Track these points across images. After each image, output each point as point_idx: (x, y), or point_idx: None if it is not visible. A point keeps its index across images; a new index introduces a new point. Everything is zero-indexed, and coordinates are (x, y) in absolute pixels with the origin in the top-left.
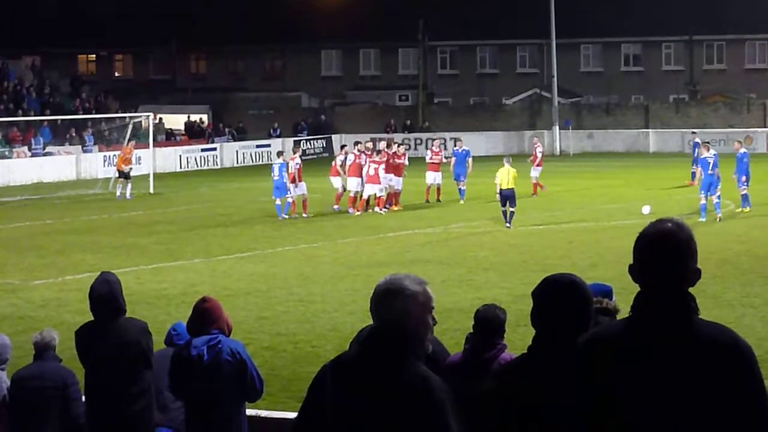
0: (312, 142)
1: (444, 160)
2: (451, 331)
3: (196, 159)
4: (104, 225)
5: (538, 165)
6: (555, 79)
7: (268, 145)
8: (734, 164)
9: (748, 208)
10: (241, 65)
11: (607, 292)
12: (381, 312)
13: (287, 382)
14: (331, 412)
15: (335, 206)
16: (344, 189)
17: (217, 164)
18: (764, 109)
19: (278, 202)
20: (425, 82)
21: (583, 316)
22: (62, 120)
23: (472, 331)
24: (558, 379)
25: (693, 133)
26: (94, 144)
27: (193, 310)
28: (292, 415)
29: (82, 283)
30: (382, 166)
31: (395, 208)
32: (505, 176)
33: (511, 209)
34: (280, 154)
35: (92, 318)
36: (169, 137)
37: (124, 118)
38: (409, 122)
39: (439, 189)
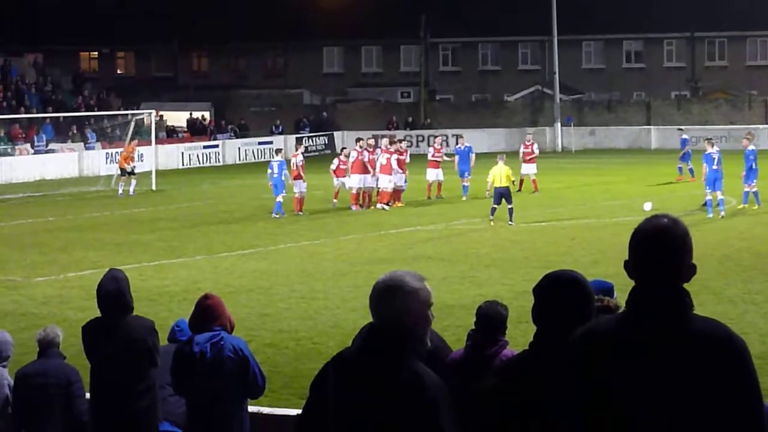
0: (314, 139)
1: (446, 158)
2: (453, 328)
3: (198, 156)
4: (106, 222)
5: (530, 161)
6: (557, 75)
7: (271, 142)
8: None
9: (757, 206)
10: (242, 62)
11: (608, 290)
12: (380, 309)
13: (289, 378)
14: (333, 408)
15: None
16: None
17: (219, 161)
18: (766, 106)
19: (279, 199)
20: (427, 79)
21: (584, 313)
22: (64, 117)
23: (473, 327)
24: (559, 375)
25: (679, 129)
26: (97, 141)
27: (195, 307)
28: (294, 411)
29: (85, 280)
30: (395, 157)
31: (399, 205)
32: (499, 174)
33: (509, 206)
34: (278, 151)
35: (97, 314)
36: (171, 134)
37: (127, 115)
38: (410, 119)
39: (440, 185)
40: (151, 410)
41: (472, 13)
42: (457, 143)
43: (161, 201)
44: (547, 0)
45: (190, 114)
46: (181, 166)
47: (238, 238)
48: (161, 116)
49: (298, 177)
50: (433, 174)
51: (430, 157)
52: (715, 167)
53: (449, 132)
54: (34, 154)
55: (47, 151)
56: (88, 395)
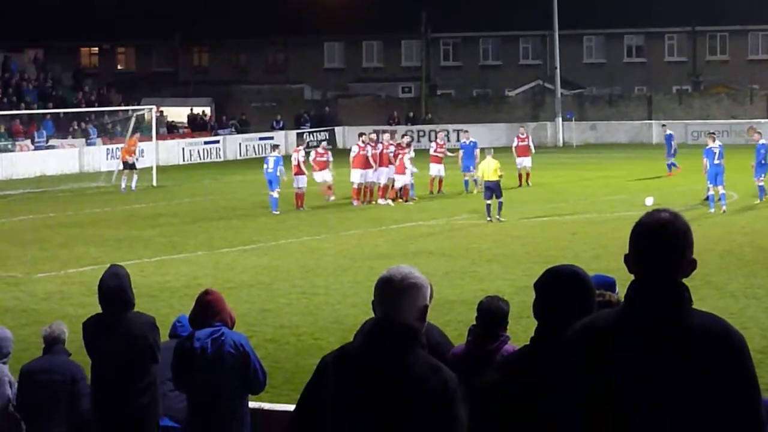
0: (315, 134)
1: (448, 154)
2: (454, 323)
3: (199, 152)
4: (107, 218)
5: (522, 155)
6: (558, 70)
7: (271, 138)
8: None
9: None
10: (243, 58)
11: (610, 284)
12: (386, 303)
13: (290, 374)
14: (333, 405)
15: (329, 197)
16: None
17: (220, 157)
18: (767, 100)
19: (275, 195)
20: (428, 74)
21: (586, 308)
22: (65, 113)
23: (475, 322)
24: (559, 370)
25: (663, 125)
26: (97, 137)
27: (195, 303)
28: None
29: (85, 276)
30: (408, 155)
31: (400, 201)
32: (488, 169)
33: (499, 200)
34: (275, 147)
35: (98, 310)
36: (171, 130)
37: (127, 111)
38: (412, 114)
39: (441, 181)
40: (152, 406)
41: (473, 7)
42: (458, 138)
43: (162, 197)
44: None
45: (191, 109)
46: (181, 162)
47: (238, 234)
48: (162, 112)
49: (299, 172)
50: (435, 169)
51: (432, 152)
52: (716, 162)
53: (450, 127)
54: (34, 150)
55: (48, 147)
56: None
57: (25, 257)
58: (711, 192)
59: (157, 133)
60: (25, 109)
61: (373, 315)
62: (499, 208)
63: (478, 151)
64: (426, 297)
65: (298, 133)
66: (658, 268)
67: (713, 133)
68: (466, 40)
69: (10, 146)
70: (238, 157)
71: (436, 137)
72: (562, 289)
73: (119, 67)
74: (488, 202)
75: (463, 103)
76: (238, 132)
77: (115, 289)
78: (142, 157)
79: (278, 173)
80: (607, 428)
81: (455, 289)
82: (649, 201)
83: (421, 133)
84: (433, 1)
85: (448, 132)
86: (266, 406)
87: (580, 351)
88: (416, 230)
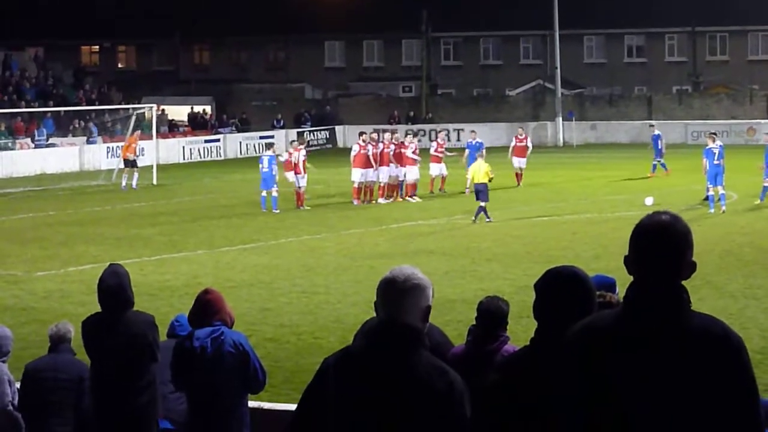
0: (315, 133)
1: (447, 154)
2: (455, 323)
3: (199, 150)
4: (107, 216)
5: (519, 155)
6: (558, 70)
7: (272, 137)
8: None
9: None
10: (244, 56)
11: (610, 285)
12: (389, 304)
13: (290, 373)
14: (335, 407)
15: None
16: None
17: (220, 155)
18: (767, 101)
19: (264, 194)
20: (429, 74)
21: (586, 309)
22: (65, 111)
23: (475, 323)
24: (559, 370)
25: (651, 125)
26: (98, 135)
27: (195, 302)
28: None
29: (85, 274)
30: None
31: (412, 199)
32: (478, 171)
33: (482, 204)
34: (269, 146)
35: (97, 309)
36: (172, 128)
37: (128, 109)
38: (412, 113)
39: (443, 180)
40: (151, 405)
41: (474, 7)
42: (459, 138)
43: (162, 195)
44: None
45: (192, 108)
46: (182, 161)
47: (239, 233)
48: (162, 110)
49: (298, 172)
50: (436, 169)
51: (433, 151)
52: (716, 162)
53: (451, 126)
54: (35, 148)
55: (48, 146)
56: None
57: (25, 255)
58: (711, 192)
59: (157, 131)
60: (26, 107)
61: (374, 315)
62: (477, 212)
63: (484, 150)
64: (429, 298)
65: (298, 132)
66: (657, 270)
67: (714, 134)
68: (466, 40)
69: (10, 144)
70: (239, 156)
71: (436, 137)
72: (562, 290)
73: (120, 65)
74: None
75: (464, 103)
76: (239, 131)
77: (114, 287)
78: (143, 155)
79: (273, 172)
80: (607, 429)
81: (455, 289)
82: (649, 201)
83: (422, 133)
84: (433, 0)
85: (448, 131)
86: (266, 405)
87: (580, 351)
88: (417, 229)
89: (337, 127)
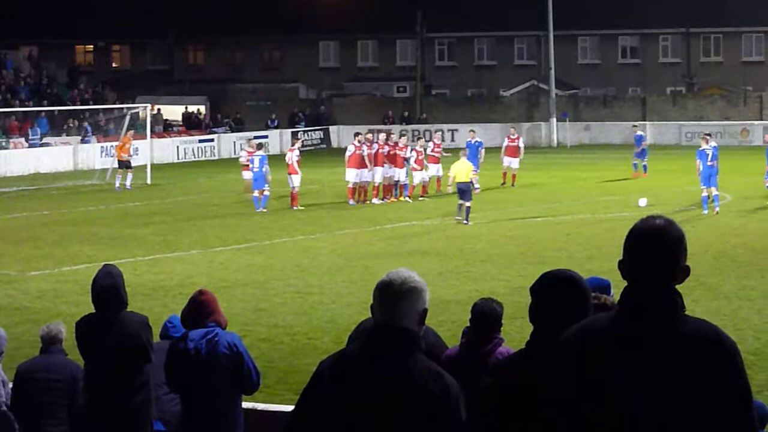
0: (309, 133)
1: (444, 154)
2: (448, 323)
3: (193, 150)
4: (101, 216)
5: (511, 155)
6: (552, 71)
7: (266, 137)
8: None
9: None
10: (238, 56)
11: (605, 287)
12: (385, 308)
13: (284, 374)
14: (331, 410)
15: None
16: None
17: (214, 155)
18: (761, 102)
19: (256, 194)
20: (423, 74)
21: (581, 312)
22: (60, 111)
23: (468, 324)
24: (555, 374)
25: (634, 125)
26: (92, 135)
27: (189, 303)
28: (289, 408)
29: (79, 274)
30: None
31: (404, 199)
32: (461, 170)
33: (467, 204)
34: (260, 146)
35: (91, 310)
36: (166, 128)
37: (122, 109)
38: (407, 114)
39: (439, 180)
40: (145, 405)
41: (468, 7)
42: (453, 138)
43: (156, 195)
44: None
45: (186, 108)
46: (176, 160)
47: (233, 233)
48: (157, 110)
49: (293, 171)
50: (433, 169)
51: (429, 152)
52: (709, 163)
53: (445, 127)
54: (28, 147)
55: (42, 145)
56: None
57: (19, 255)
58: (705, 194)
59: (152, 131)
60: (20, 106)
61: (369, 315)
62: (467, 213)
63: (483, 150)
64: (425, 301)
65: (292, 132)
66: (651, 274)
67: (707, 135)
68: (461, 40)
69: (4, 143)
70: (233, 156)
71: (432, 137)
72: (558, 293)
73: (114, 64)
74: (461, 202)
75: (458, 103)
76: (233, 130)
77: (108, 288)
78: (137, 155)
79: (263, 171)
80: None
81: (450, 289)
82: (643, 202)
83: (416, 133)
84: (428, 1)
85: (442, 132)
86: (260, 406)
87: (576, 355)
88: (411, 230)
89: (331, 128)
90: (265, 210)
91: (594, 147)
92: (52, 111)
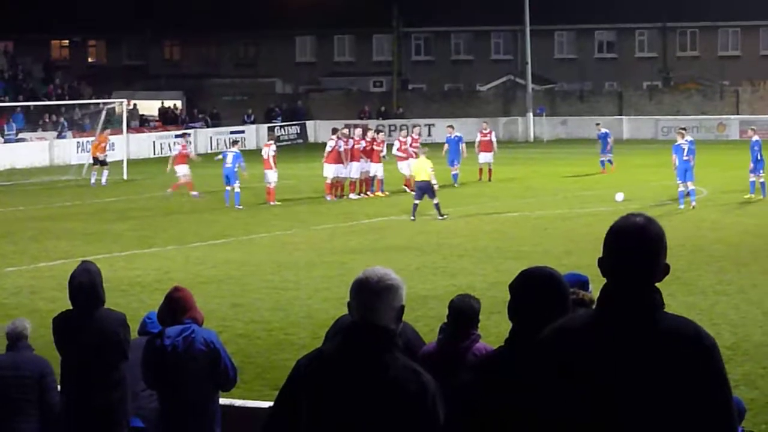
0: (286, 128)
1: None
2: (426, 318)
3: (170, 145)
4: (78, 212)
5: (487, 150)
6: (529, 65)
7: (242, 132)
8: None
9: (762, 197)
10: (214, 51)
11: (584, 283)
12: (362, 305)
13: (262, 369)
14: (309, 408)
15: (192, 193)
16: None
17: (190, 150)
18: (737, 97)
19: (228, 189)
20: (399, 69)
21: (560, 309)
22: (35, 106)
23: (446, 320)
24: (533, 371)
25: (597, 124)
26: (68, 130)
27: (165, 300)
28: (267, 404)
29: (56, 270)
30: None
31: (380, 194)
32: (420, 168)
33: (435, 201)
34: (234, 143)
35: (68, 306)
36: (142, 123)
37: (98, 104)
38: (383, 108)
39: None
40: (122, 403)
41: (445, 2)
42: (429, 133)
43: (133, 190)
44: None
45: (162, 103)
46: (152, 155)
47: (210, 228)
48: (133, 105)
49: (269, 167)
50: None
51: (408, 147)
52: (685, 158)
53: (422, 122)
54: (4, 143)
55: (18, 140)
56: (59, 387)
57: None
58: (681, 189)
59: (128, 126)
60: None
61: (346, 311)
62: (437, 209)
63: (463, 145)
64: (402, 298)
65: (269, 128)
66: (631, 272)
67: (683, 129)
68: (437, 35)
69: None
70: (209, 151)
71: (411, 132)
72: (536, 291)
73: (90, 60)
74: (416, 201)
75: (435, 98)
76: (209, 126)
77: (85, 285)
78: (113, 150)
79: (236, 168)
80: (583, 429)
81: (427, 285)
82: (620, 197)
83: (392, 128)
84: None
85: (419, 126)
86: (237, 402)
87: (555, 353)
88: (388, 225)
89: (308, 123)
90: (239, 207)
91: (571, 142)
92: (28, 106)
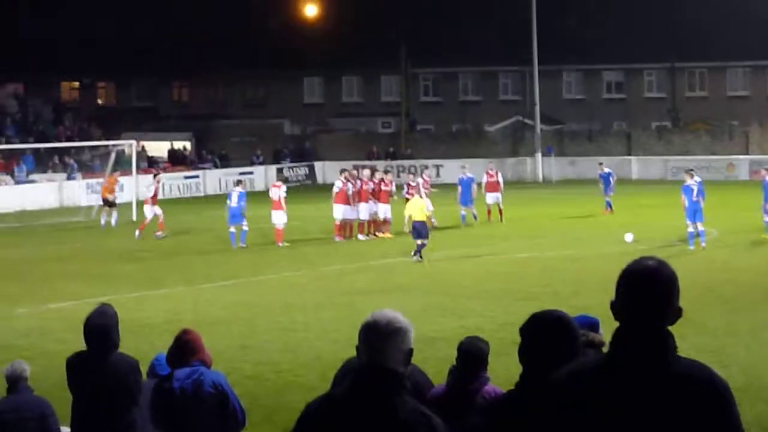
0: (295, 169)
1: (432, 191)
2: (434, 360)
3: (179, 186)
4: (87, 253)
5: (492, 191)
6: (537, 106)
7: (251, 173)
8: (761, 192)
9: None
10: (223, 92)
11: (594, 325)
12: (371, 349)
13: (270, 411)
14: None
15: (157, 233)
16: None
17: (200, 191)
18: (746, 137)
19: (233, 229)
20: (407, 109)
21: (571, 352)
22: (45, 148)
23: (455, 363)
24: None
25: (600, 164)
26: (78, 171)
27: (174, 342)
28: None
29: (65, 311)
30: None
31: (387, 236)
32: (416, 208)
33: (424, 242)
34: (238, 182)
35: (78, 346)
36: (152, 164)
37: (107, 145)
38: (391, 149)
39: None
40: None
41: (452, 43)
42: (438, 174)
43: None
44: (528, 30)
45: (171, 144)
46: (161, 197)
47: (219, 269)
48: (142, 146)
49: (279, 208)
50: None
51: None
52: (694, 199)
53: (430, 162)
54: (15, 184)
55: (28, 182)
56: (67, 429)
57: (5, 292)
58: (691, 230)
59: (137, 167)
60: (6, 143)
61: (354, 352)
62: (419, 249)
63: (475, 186)
64: (410, 341)
65: (277, 168)
66: (644, 316)
67: (691, 170)
68: (445, 76)
69: None
70: (218, 192)
71: (422, 173)
72: (547, 334)
73: (99, 101)
74: (418, 241)
75: (443, 139)
76: (218, 167)
77: (101, 328)
78: (122, 191)
79: (241, 208)
80: None
81: (435, 326)
82: (629, 237)
83: (401, 168)
84: (412, 36)
85: (427, 167)
86: None
87: (567, 396)
88: (396, 266)
89: (316, 163)
90: (243, 245)
91: (580, 182)
92: (38, 148)
